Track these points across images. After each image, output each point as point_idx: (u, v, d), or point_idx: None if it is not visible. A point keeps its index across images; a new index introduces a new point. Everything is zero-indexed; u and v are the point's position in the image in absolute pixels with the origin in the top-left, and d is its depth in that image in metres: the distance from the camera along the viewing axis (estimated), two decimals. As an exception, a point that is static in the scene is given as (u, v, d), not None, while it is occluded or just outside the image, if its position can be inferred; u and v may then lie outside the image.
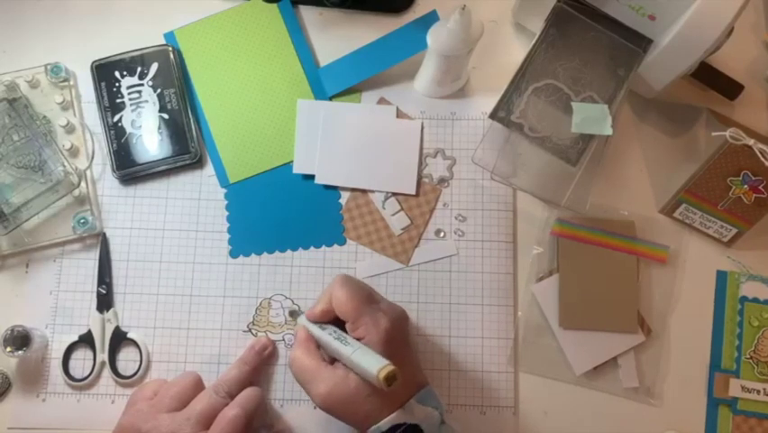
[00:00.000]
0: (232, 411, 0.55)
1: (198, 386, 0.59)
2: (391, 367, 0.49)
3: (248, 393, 0.57)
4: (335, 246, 0.66)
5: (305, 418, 0.63)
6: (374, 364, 0.49)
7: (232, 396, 0.57)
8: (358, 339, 0.54)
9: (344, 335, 0.55)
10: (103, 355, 0.63)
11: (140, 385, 0.62)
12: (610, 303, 0.65)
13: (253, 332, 0.64)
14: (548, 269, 0.66)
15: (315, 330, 0.56)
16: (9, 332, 0.60)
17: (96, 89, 0.68)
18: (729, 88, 0.69)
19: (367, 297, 0.56)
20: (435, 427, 0.52)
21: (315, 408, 0.63)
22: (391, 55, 0.68)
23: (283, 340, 0.64)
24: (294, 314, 0.64)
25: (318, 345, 0.57)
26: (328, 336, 0.55)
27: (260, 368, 0.62)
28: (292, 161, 0.67)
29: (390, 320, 0.54)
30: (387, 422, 0.51)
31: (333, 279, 0.57)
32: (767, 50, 0.72)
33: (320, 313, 0.56)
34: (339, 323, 0.56)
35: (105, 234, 0.66)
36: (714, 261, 0.67)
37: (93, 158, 0.67)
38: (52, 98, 0.67)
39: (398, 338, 0.55)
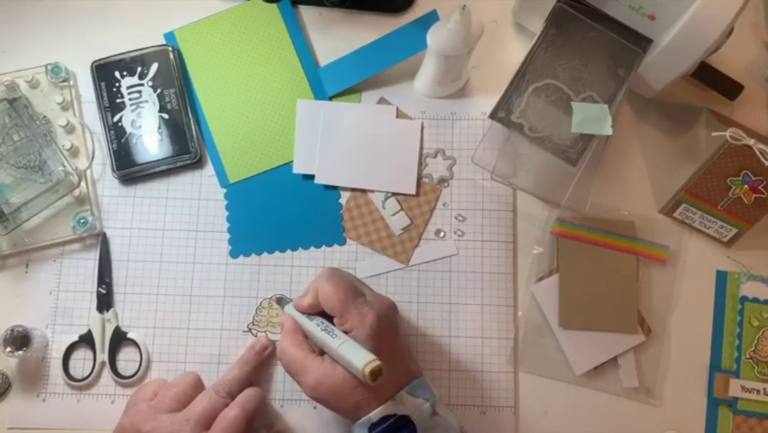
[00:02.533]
0: (232, 412, 0.55)
1: (198, 386, 0.59)
2: (376, 362, 0.49)
3: (248, 393, 0.57)
4: (335, 246, 0.66)
5: (305, 418, 0.63)
6: (359, 359, 0.50)
7: (232, 396, 0.57)
8: (345, 333, 0.54)
9: (331, 326, 0.55)
10: (103, 355, 0.63)
11: (140, 386, 0.62)
12: (610, 303, 0.65)
13: (253, 332, 0.64)
14: (548, 269, 0.66)
15: (303, 321, 0.57)
16: (9, 332, 0.60)
17: (95, 89, 0.68)
18: (729, 88, 0.69)
19: (353, 290, 0.56)
20: (426, 418, 0.52)
21: (314, 408, 0.63)
22: (391, 55, 0.68)
23: (283, 340, 0.64)
24: (281, 301, 0.63)
25: (306, 335, 0.57)
26: (315, 327, 0.55)
27: (260, 368, 0.62)
28: (292, 161, 0.67)
29: (377, 313, 0.54)
30: (376, 414, 0.51)
31: (320, 272, 0.57)
32: (767, 50, 0.72)
33: (308, 306, 0.57)
34: (327, 314, 0.56)
35: (105, 234, 0.66)
36: (714, 261, 0.67)
37: (93, 158, 0.67)
38: (52, 98, 0.67)
39: (386, 330, 0.55)
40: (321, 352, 0.55)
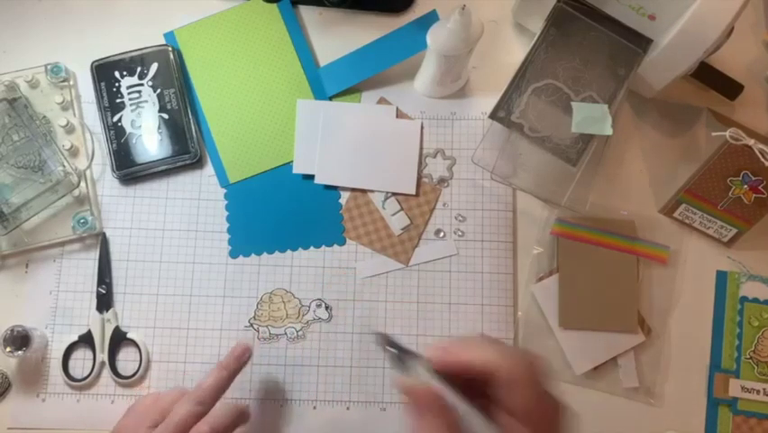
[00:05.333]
0: (201, 429, 0.53)
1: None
2: None
3: (220, 411, 0.55)
4: (335, 246, 0.66)
5: (305, 418, 0.63)
6: None
7: (208, 405, 0.55)
8: (508, 410, 0.42)
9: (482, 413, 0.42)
10: (102, 355, 0.63)
11: (141, 397, 0.62)
12: (610, 303, 0.65)
13: (255, 327, 0.64)
14: (548, 269, 0.66)
15: (456, 399, 0.42)
16: (9, 332, 0.60)
17: (95, 89, 0.68)
18: (729, 88, 0.69)
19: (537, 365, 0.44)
20: None
21: (314, 408, 0.63)
22: (391, 55, 0.68)
23: (285, 334, 0.64)
24: (389, 344, 0.45)
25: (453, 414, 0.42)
26: (474, 412, 0.42)
27: (238, 373, 0.59)
28: (292, 161, 0.67)
29: (560, 411, 0.43)
30: None
31: (474, 335, 0.49)
32: (767, 50, 0.72)
33: (466, 363, 0.42)
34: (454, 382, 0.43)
35: (104, 234, 0.66)
36: (714, 261, 0.67)
37: (93, 158, 0.67)
38: (52, 98, 0.67)
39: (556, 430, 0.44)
40: None
